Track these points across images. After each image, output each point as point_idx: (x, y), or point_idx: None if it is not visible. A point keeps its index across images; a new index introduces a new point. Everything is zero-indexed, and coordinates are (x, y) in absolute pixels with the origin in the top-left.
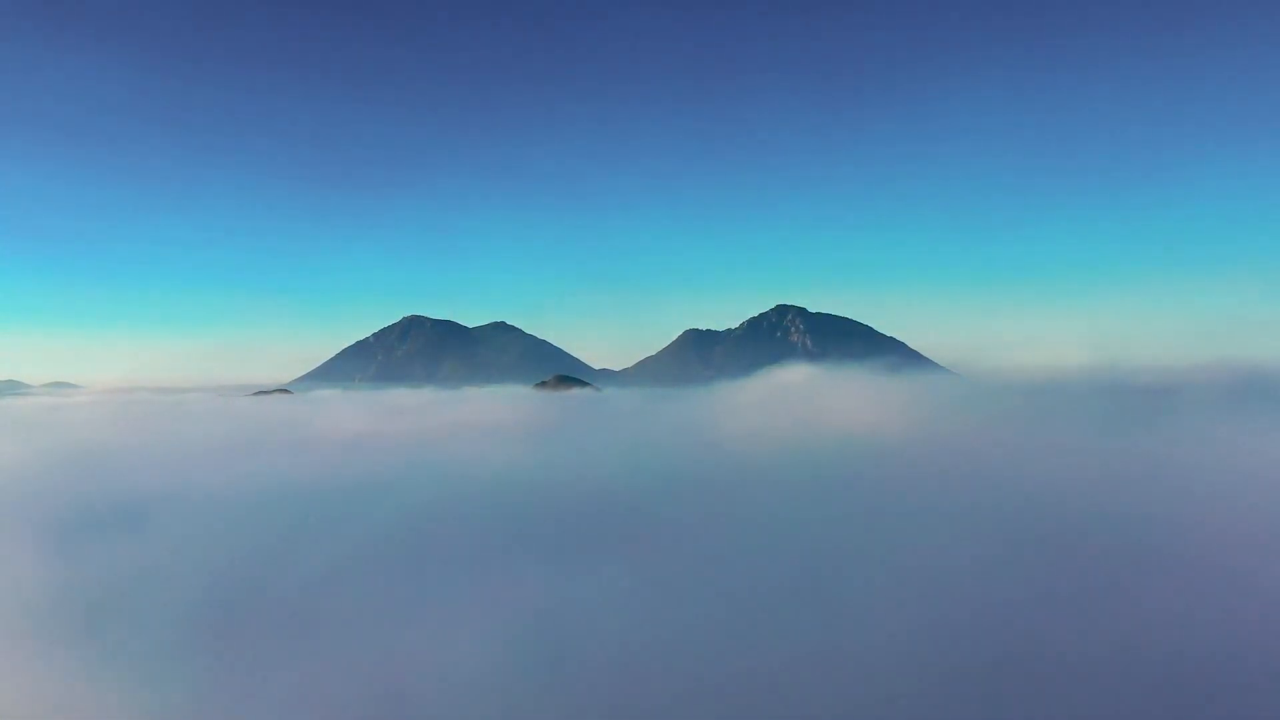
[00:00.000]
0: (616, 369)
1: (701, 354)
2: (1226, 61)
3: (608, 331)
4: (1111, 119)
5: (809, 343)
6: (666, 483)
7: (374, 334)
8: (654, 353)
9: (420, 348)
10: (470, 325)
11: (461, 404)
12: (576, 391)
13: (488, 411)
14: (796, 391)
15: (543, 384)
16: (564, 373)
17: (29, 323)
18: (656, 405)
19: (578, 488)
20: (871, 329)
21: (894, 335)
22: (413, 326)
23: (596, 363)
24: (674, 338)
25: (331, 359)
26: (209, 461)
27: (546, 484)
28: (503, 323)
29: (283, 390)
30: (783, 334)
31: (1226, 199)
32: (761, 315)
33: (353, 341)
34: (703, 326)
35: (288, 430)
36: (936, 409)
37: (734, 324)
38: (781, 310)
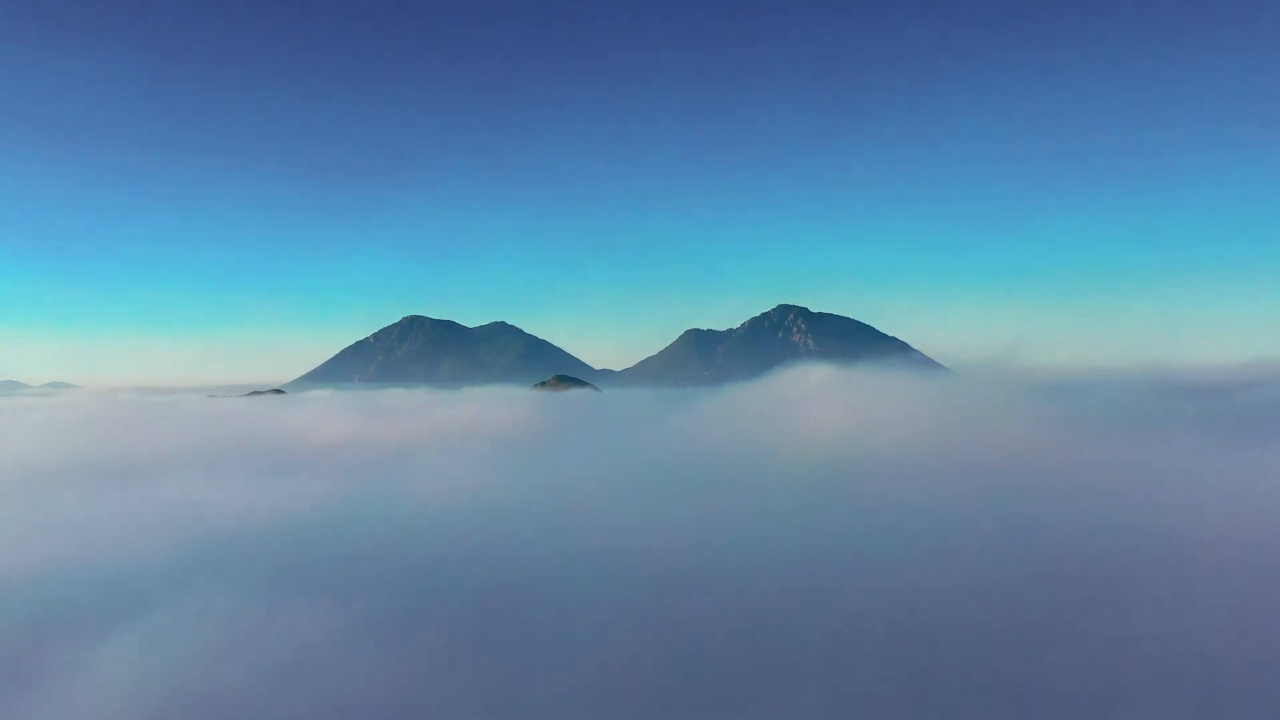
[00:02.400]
0: (617, 369)
1: (703, 354)
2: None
3: (608, 331)
4: (1138, 111)
5: (811, 342)
6: (711, 518)
7: (374, 334)
8: (655, 352)
9: (420, 348)
10: (470, 325)
11: (456, 405)
12: (576, 392)
13: (482, 414)
14: (816, 393)
15: (542, 384)
16: (564, 373)
17: (29, 323)
18: (665, 408)
19: (584, 537)
20: (873, 329)
21: (896, 335)
22: (413, 326)
23: (597, 363)
24: (675, 338)
25: (332, 359)
26: (110, 480)
27: (536, 523)
28: (503, 323)
29: (276, 390)
30: (784, 334)
31: (1267, 195)
32: (763, 315)
33: (353, 341)
34: (704, 326)
35: (257, 436)
36: (969, 412)
37: (735, 324)
38: (783, 310)
